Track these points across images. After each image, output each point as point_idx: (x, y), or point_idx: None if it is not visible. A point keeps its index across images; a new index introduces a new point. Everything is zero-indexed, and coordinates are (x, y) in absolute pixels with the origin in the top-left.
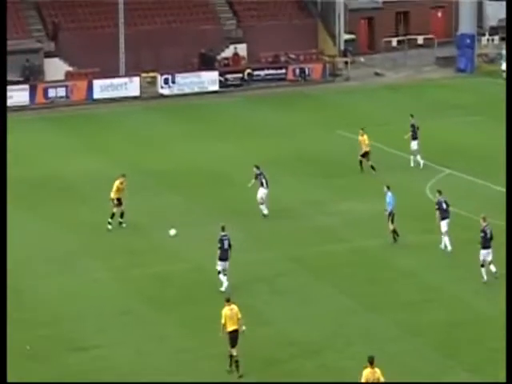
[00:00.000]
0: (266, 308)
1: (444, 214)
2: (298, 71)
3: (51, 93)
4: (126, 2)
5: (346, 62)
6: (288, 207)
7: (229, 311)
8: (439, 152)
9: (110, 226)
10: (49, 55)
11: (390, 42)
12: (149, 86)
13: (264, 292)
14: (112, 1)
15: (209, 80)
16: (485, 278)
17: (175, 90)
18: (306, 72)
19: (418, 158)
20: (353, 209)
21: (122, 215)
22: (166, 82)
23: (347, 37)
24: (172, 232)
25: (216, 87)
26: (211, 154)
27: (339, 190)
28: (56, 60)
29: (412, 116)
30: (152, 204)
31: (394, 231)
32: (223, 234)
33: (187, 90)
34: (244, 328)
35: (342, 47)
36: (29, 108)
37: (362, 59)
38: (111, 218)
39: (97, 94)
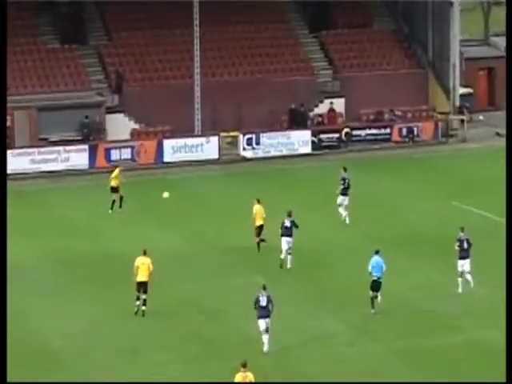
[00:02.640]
0: None
1: (462, 254)
2: (405, 131)
3: (114, 155)
4: (204, 48)
5: (462, 121)
6: (396, 292)
7: (241, 378)
8: None
9: (110, 211)
10: (112, 110)
11: None
12: (229, 147)
13: None
14: (186, 47)
15: (299, 141)
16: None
17: (260, 152)
18: (415, 132)
19: (341, 210)
20: (471, 293)
21: (120, 200)
22: (249, 142)
23: (463, 90)
24: (165, 195)
25: (308, 149)
26: (302, 228)
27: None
28: (120, 116)
29: (345, 169)
30: (232, 285)
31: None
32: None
33: (274, 153)
34: None
35: (458, 103)
36: (87, 172)
37: (480, 117)
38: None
39: (168, 157)
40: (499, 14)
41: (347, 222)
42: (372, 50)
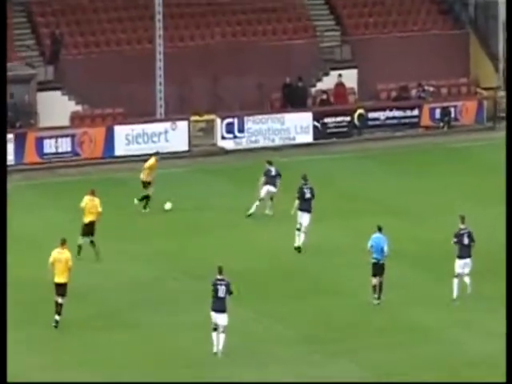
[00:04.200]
0: None
1: (462, 252)
2: (438, 113)
3: (49, 146)
4: (168, 3)
5: None
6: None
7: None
8: None
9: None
10: (45, 87)
11: None
12: (202, 135)
13: None
14: (144, 1)
15: (297, 126)
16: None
17: (244, 142)
18: (452, 114)
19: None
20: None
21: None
22: (229, 129)
23: None
24: (167, 206)
25: (309, 138)
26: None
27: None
28: (56, 94)
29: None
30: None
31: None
32: (219, 277)
33: (263, 143)
34: None
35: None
36: (14, 170)
37: None
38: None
39: (120, 149)
40: None
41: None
42: (393, 4)
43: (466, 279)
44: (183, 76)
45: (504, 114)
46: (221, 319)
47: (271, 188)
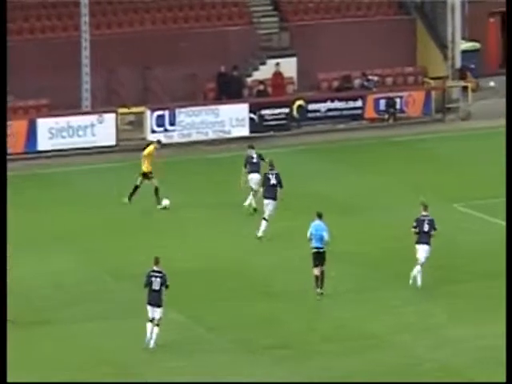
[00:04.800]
0: None
1: (421, 238)
2: (383, 104)
3: None
4: None
5: (465, 89)
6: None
7: None
8: None
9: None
10: None
11: None
12: (131, 128)
13: None
14: None
15: (232, 119)
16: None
17: (175, 135)
18: (398, 105)
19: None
20: (469, 335)
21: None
22: (159, 122)
23: (467, 45)
24: (165, 202)
25: (245, 131)
26: (236, 247)
27: (459, 307)
28: None
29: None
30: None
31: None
32: (156, 269)
33: (196, 136)
34: None
35: (459, 63)
36: None
37: (491, 83)
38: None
39: (43, 143)
40: None
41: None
42: None
43: (417, 270)
44: (111, 66)
45: (454, 105)
46: (156, 313)
47: (256, 176)
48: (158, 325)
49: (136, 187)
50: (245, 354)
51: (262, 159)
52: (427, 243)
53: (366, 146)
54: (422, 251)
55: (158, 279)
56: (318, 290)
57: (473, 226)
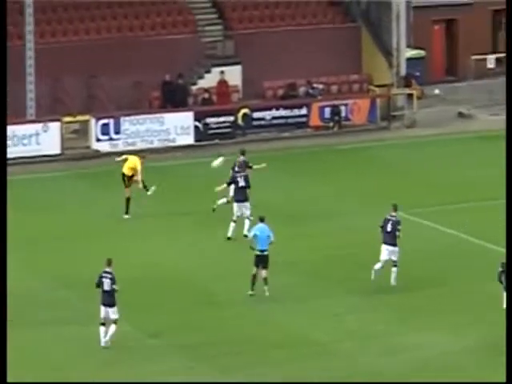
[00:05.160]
0: None
1: (384, 239)
2: (328, 112)
3: None
4: None
5: (411, 96)
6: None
7: None
8: None
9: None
10: None
11: (484, 61)
12: (76, 137)
13: None
14: None
15: (177, 127)
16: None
17: (120, 143)
18: (343, 113)
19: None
20: (424, 343)
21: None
22: (104, 130)
23: (412, 53)
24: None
25: (189, 139)
26: (182, 257)
27: (411, 313)
28: None
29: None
30: None
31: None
32: (107, 269)
33: (140, 145)
34: None
35: (404, 71)
36: None
37: (436, 91)
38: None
39: None
40: None
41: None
42: None
43: (393, 269)
44: (56, 74)
45: (399, 113)
46: (109, 313)
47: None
48: (115, 322)
49: (128, 199)
50: (191, 362)
51: (249, 167)
52: (391, 244)
53: (310, 154)
54: (385, 251)
55: (108, 280)
56: (251, 292)
57: (418, 233)
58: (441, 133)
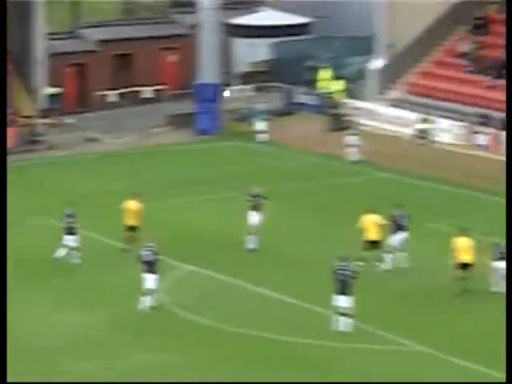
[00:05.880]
0: None
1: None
2: None
3: None
4: None
5: (51, 124)
6: None
7: None
8: (173, 242)
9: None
10: None
11: (106, 96)
12: None
13: None
14: None
15: None
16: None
17: None
18: None
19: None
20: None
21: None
22: None
23: (52, 90)
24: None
25: None
26: None
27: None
28: None
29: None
30: None
31: None
32: None
33: None
34: None
35: (45, 104)
36: None
37: (70, 120)
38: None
39: None
40: (88, 4)
41: None
42: None
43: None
44: None
45: (41, 138)
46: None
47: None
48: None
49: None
50: None
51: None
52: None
53: None
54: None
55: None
56: None
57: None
58: (73, 153)
